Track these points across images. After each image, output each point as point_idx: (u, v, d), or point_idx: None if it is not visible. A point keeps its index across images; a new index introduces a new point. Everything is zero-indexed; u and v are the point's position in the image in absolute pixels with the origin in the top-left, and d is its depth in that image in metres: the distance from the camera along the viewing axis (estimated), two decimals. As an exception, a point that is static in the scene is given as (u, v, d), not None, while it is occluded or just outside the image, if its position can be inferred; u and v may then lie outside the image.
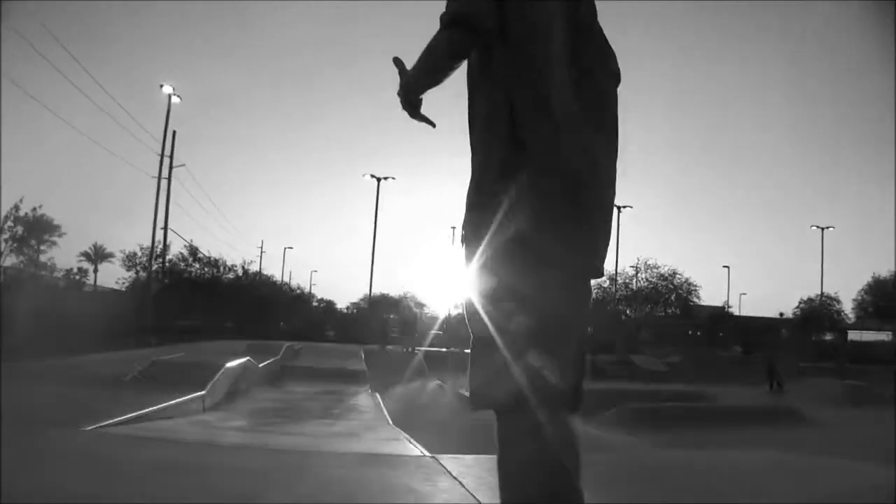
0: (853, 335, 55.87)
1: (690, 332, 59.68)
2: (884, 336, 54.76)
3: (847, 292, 79.85)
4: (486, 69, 2.05)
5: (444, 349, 36.17)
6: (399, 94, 2.13)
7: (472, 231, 2.02)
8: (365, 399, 14.79)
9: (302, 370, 19.54)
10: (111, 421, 6.85)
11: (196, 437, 7.21)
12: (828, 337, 56.34)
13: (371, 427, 10.24)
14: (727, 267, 66.32)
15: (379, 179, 48.04)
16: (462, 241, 2.08)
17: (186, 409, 9.40)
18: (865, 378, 32.22)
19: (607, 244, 2.08)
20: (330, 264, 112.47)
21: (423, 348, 33.99)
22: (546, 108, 1.95)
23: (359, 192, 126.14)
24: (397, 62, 2.14)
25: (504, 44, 1.98)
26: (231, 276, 57.78)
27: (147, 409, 7.95)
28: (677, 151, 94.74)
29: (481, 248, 1.97)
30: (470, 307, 2.02)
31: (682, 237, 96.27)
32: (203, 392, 10.65)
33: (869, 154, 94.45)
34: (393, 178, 49.84)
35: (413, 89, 2.11)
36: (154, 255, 37.05)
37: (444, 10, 1.99)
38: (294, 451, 6.45)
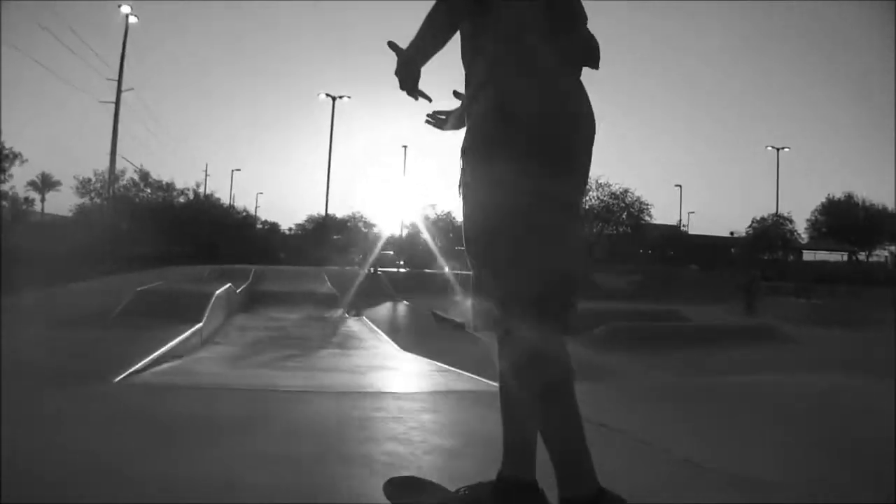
0: (807, 255, 57.01)
1: (642, 251, 60.13)
2: (838, 257, 55.97)
3: (801, 213, 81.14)
4: (479, 37, 2.30)
5: (400, 269, 35.71)
6: (398, 71, 2.24)
7: (473, 174, 2.24)
8: (356, 325, 14.00)
9: (272, 295, 18.60)
10: (133, 369, 5.97)
11: (225, 381, 6.40)
12: (785, 258, 57.22)
13: (392, 356, 9.51)
14: (679, 186, 66.57)
15: (334, 98, 47.03)
16: (460, 184, 2.31)
17: (187, 345, 8.52)
18: (826, 298, 32.79)
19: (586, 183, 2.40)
20: (276, 186, 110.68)
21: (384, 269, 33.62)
22: (532, 67, 2.21)
23: (308, 112, 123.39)
24: (392, 45, 2.27)
25: (492, 11, 2.23)
26: (182, 199, 56.33)
27: (159, 352, 7.07)
28: (631, 69, 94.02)
29: (483, 188, 2.21)
30: (474, 240, 2.24)
31: (635, 156, 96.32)
32: (200, 325, 9.78)
33: (825, 75, 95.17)
34: (348, 98, 48.90)
35: (415, 60, 2.23)
36: (112, 182, 35.73)
37: None
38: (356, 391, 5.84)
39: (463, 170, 2.29)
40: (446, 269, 32.32)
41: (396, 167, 58.77)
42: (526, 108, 2.17)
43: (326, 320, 14.89)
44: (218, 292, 11.94)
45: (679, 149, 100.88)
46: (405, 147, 57.43)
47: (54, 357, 6.14)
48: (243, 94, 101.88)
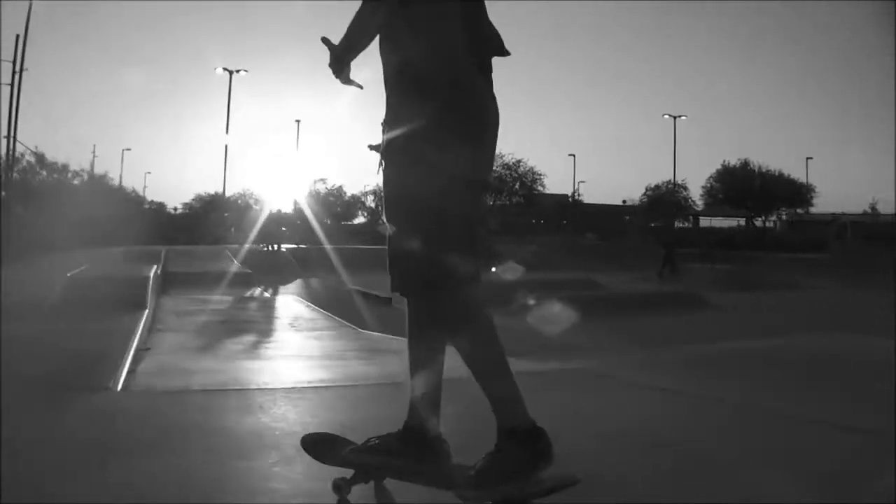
0: (703, 222, 58.74)
1: (535, 221, 60.59)
2: (734, 223, 57.86)
3: (697, 180, 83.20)
4: (398, 30, 2.52)
5: (296, 245, 34.92)
6: (331, 65, 2.58)
7: (391, 149, 2.50)
8: (292, 304, 13.16)
9: (186, 276, 17.43)
10: (126, 371, 5.19)
11: (236, 378, 5.62)
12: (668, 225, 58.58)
13: (366, 338, 8.82)
14: (573, 155, 67.32)
15: (231, 72, 45.79)
16: (381, 160, 2.55)
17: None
18: (732, 264, 33.73)
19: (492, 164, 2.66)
20: (166, 165, 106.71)
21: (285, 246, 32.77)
22: (447, 57, 2.50)
23: (199, 87, 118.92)
24: (325, 41, 2.58)
25: (409, 8, 2.49)
26: (77, 182, 53.84)
27: (134, 347, 6.26)
28: (523, 38, 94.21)
29: (400, 164, 2.49)
30: (390, 207, 2.52)
31: (527, 125, 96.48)
32: (148, 311, 8.95)
33: (721, 43, 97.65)
34: (245, 71, 47.84)
35: (345, 55, 2.56)
36: (11, 167, 33.56)
37: None
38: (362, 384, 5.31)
39: (382, 144, 2.55)
40: (336, 245, 31.93)
41: (289, 143, 57.39)
42: (436, 92, 2.44)
43: (257, 300, 14.03)
44: (152, 275, 11.02)
45: (574, 118, 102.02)
46: (298, 122, 56.42)
47: (30, 361, 5.28)
48: (134, 69, 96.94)
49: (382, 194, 2.57)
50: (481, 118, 2.53)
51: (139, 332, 7.15)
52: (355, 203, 66.06)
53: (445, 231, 2.43)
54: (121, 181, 64.17)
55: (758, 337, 10.44)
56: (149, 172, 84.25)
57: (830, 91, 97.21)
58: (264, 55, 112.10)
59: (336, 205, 61.70)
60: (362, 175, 66.55)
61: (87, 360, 5.46)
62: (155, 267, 13.34)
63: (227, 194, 57.70)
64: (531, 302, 18.57)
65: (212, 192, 61.68)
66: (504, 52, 2.69)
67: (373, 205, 67.26)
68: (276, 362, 6.69)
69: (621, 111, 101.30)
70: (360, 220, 65.28)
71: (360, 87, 2.65)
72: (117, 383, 4.64)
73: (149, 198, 68.41)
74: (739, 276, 27.55)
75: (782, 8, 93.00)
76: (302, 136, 57.01)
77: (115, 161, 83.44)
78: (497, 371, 2.46)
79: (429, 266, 2.43)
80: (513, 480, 2.35)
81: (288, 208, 51.55)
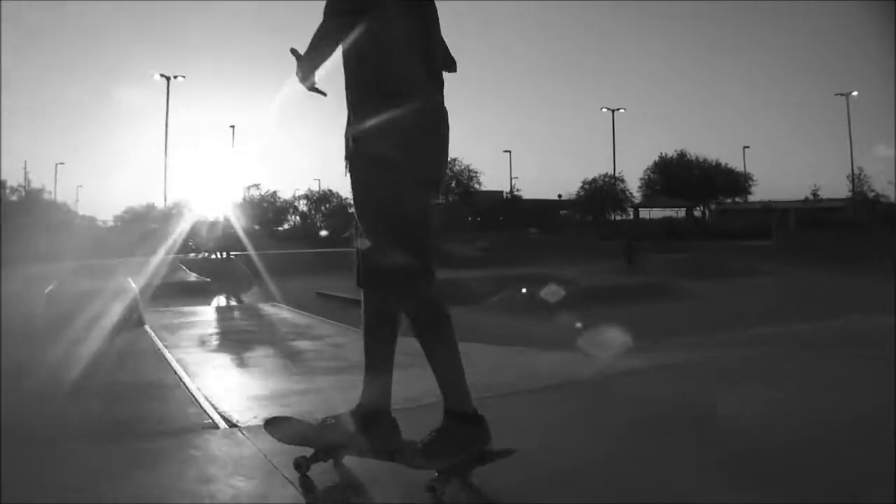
0: (643, 213, 59.11)
1: (471, 219, 60.22)
2: (672, 213, 58.37)
3: (636, 172, 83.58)
4: (358, 43, 2.74)
5: (233, 253, 33.97)
6: (298, 73, 2.81)
7: (356, 156, 2.74)
8: (276, 312, 12.24)
9: (147, 288, 16.47)
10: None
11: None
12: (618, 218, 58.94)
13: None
14: (508, 151, 67.09)
15: (168, 78, 44.47)
16: (346, 166, 2.79)
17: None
18: (683, 253, 33.95)
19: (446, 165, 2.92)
20: (99, 177, 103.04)
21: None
22: (402, 66, 2.74)
23: (127, 97, 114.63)
24: (293, 52, 2.82)
25: (370, 22, 2.71)
26: (15, 198, 51.68)
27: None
28: (457, 28, 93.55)
29: (360, 166, 2.73)
30: (356, 208, 2.78)
31: (462, 122, 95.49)
32: (146, 327, 8.08)
33: (655, 33, 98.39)
34: (183, 77, 46.59)
35: (310, 68, 2.79)
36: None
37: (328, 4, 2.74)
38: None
39: (346, 146, 2.77)
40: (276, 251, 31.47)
41: (224, 148, 56.15)
42: (392, 99, 2.67)
43: (240, 309, 13.10)
44: (137, 288, 10.07)
45: (509, 114, 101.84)
46: (233, 127, 55.34)
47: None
48: (62, 79, 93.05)
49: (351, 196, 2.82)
50: (433, 122, 2.80)
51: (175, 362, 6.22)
52: (287, 208, 64.92)
53: (401, 229, 2.68)
54: (55, 195, 61.98)
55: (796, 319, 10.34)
56: (80, 186, 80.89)
57: (768, 80, 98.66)
58: (194, 61, 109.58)
59: (269, 210, 60.45)
60: (296, 180, 65.53)
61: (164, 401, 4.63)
62: (128, 280, 12.22)
63: (161, 204, 56.11)
64: (499, 296, 18.20)
65: (143, 203, 60.00)
66: (453, 69, 3.01)
67: (305, 209, 66.19)
68: (348, 376, 5.68)
69: (557, 106, 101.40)
70: (288, 225, 64.08)
71: (324, 95, 2.86)
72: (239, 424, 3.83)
73: (80, 212, 66.03)
74: (697, 265, 27.70)
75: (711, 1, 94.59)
76: (234, 142, 55.84)
77: (48, 175, 79.43)
78: (448, 358, 2.74)
79: (387, 261, 2.68)
80: (455, 453, 2.66)
81: (221, 216, 50.46)
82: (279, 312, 12.01)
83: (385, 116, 2.67)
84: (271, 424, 3.09)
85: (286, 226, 64.14)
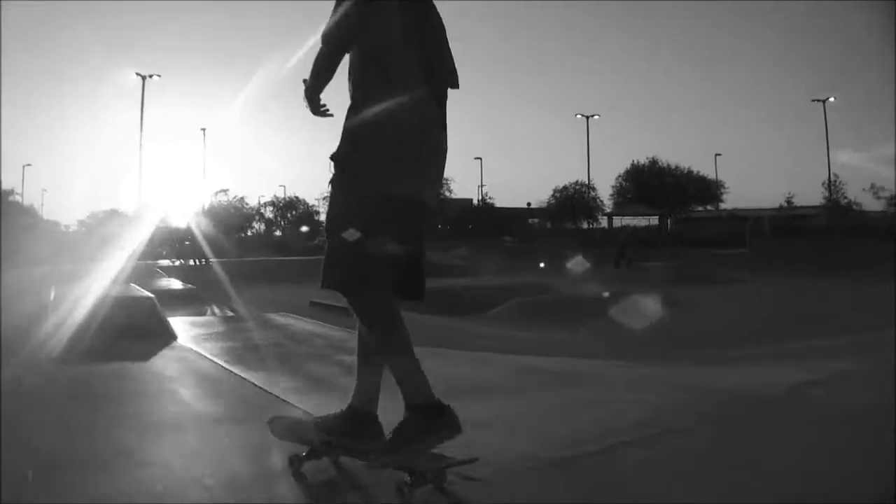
0: (615, 221, 58.92)
1: (440, 227, 59.75)
2: (645, 221, 58.31)
3: (608, 180, 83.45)
4: (359, 64, 2.98)
5: (201, 260, 33.25)
6: (305, 100, 3.07)
7: (337, 175, 2.96)
8: (300, 322, 11.41)
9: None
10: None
11: None
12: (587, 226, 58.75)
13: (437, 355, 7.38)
14: (479, 158, 66.77)
15: (144, 77, 43.55)
16: (331, 180, 2.98)
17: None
18: (663, 261, 33.89)
19: (435, 184, 3.11)
20: (69, 179, 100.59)
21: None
22: (388, 91, 2.87)
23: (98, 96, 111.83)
24: (305, 81, 3.04)
25: (361, 49, 2.97)
26: None
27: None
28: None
29: (342, 179, 2.95)
30: (329, 220, 3.00)
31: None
32: (177, 341, 7.32)
33: (628, 42, 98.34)
34: (159, 76, 45.76)
35: (315, 92, 3.05)
36: None
37: (324, 30, 2.95)
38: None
39: (333, 170, 2.98)
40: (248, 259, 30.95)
41: (195, 151, 55.19)
42: (387, 118, 2.86)
43: (252, 319, 12.22)
44: (152, 295, 9.23)
45: (480, 121, 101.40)
46: (204, 130, 54.55)
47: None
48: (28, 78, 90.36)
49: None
50: (425, 144, 2.96)
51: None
52: (253, 215, 63.94)
53: (365, 242, 2.83)
54: (23, 199, 60.97)
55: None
56: (45, 190, 78.10)
57: (744, 85, 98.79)
58: (166, 61, 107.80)
59: (236, 216, 59.40)
60: (260, 186, 64.61)
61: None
62: (134, 285, 11.38)
63: (125, 209, 54.82)
64: (505, 306, 17.65)
65: (107, 208, 58.64)
66: (456, 85, 3.17)
67: (271, 216, 65.21)
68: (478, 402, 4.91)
69: (527, 112, 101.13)
70: (251, 232, 63.03)
71: (332, 116, 3.11)
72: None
73: (45, 216, 64.30)
74: (681, 273, 27.54)
75: (684, 7, 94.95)
76: (204, 146, 54.99)
77: (15, 178, 76.68)
78: (400, 356, 2.87)
79: (348, 270, 2.88)
80: (415, 444, 2.76)
81: (186, 223, 49.47)
82: (296, 323, 11.21)
83: (365, 134, 2.88)
84: (273, 422, 3.27)
85: (250, 233, 63.08)
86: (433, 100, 3.02)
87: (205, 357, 6.69)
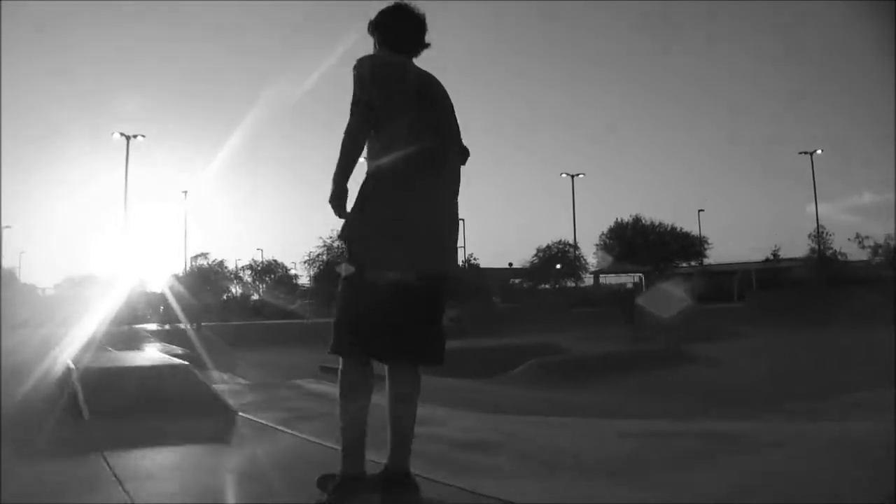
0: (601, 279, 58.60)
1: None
2: (630, 279, 58.09)
3: (590, 238, 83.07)
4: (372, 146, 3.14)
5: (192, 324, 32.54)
6: (331, 203, 3.08)
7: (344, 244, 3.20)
8: (321, 387, 10.61)
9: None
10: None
11: None
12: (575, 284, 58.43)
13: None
14: (462, 220, 66.32)
15: (128, 137, 43.03)
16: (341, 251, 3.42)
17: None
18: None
19: (438, 258, 3.24)
20: (47, 242, 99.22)
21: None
22: (389, 169, 3.07)
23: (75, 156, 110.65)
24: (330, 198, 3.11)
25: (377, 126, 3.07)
26: None
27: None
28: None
29: (344, 248, 3.19)
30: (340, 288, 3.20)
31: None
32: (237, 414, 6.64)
33: (609, 98, 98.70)
34: (143, 136, 45.20)
35: (343, 192, 3.07)
36: None
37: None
38: None
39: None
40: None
41: (175, 214, 54.81)
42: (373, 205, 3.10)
43: (288, 388, 11.39)
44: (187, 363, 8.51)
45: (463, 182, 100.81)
46: (185, 192, 54.01)
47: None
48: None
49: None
50: (420, 218, 3.14)
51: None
52: (231, 278, 63.04)
53: (346, 313, 3.17)
54: (1, 262, 58.54)
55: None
56: (23, 252, 75.85)
57: (730, 139, 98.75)
58: (150, 123, 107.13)
59: (216, 281, 58.58)
60: (236, 248, 64.05)
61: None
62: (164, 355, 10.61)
63: (100, 273, 53.67)
64: (524, 367, 17.06)
65: (82, 273, 57.56)
66: (464, 160, 3.43)
67: (250, 279, 64.34)
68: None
69: (511, 172, 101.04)
70: (227, 296, 62.02)
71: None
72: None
73: (21, 279, 62.63)
74: (687, 328, 27.33)
75: (669, 65, 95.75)
76: (186, 208, 54.59)
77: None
78: (343, 423, 3.20)
79: (333, 335, 3.17)
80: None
81: (162, 287, 48.67)
82: (332, 390, 10.43)
83: (364, 205, 3.09)
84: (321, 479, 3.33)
85: (225, 297, 62.04)
86: (444, 167, 3.20)
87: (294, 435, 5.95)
